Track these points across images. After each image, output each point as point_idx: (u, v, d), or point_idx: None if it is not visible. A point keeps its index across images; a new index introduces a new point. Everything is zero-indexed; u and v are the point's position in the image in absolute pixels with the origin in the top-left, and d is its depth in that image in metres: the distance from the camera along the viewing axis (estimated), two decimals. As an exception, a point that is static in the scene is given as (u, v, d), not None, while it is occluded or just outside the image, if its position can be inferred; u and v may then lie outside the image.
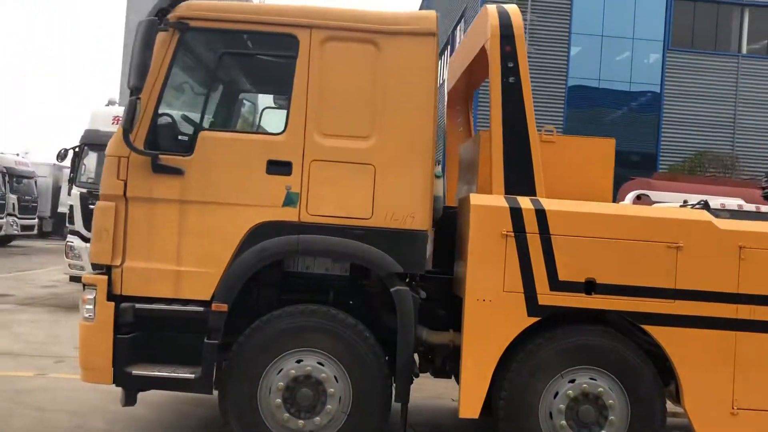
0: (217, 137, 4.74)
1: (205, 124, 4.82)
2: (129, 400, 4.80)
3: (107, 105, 13.79)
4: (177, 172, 4.65)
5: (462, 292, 4.75)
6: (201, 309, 4.65)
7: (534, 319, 4.69)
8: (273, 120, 5.02)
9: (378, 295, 5.13)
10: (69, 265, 12.43)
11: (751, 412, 4.68)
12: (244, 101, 5.21)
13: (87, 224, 12.34)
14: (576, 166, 5.41)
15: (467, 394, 4.66)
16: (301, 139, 4.71)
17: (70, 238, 12.44)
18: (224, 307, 4.62)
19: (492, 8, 5.03)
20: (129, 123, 4.48)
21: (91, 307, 4.67)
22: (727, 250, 4.70)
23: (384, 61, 4.77)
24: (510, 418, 4.71)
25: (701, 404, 4.68)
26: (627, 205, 6.13)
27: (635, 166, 20.73)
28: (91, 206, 12.40)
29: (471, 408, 4.66)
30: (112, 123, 12.72)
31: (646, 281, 4.69)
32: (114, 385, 4.68)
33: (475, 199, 4.75)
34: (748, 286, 4.69)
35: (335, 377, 4.64)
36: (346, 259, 4.83)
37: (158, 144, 4.67)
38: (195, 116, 4.82)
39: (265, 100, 5.23)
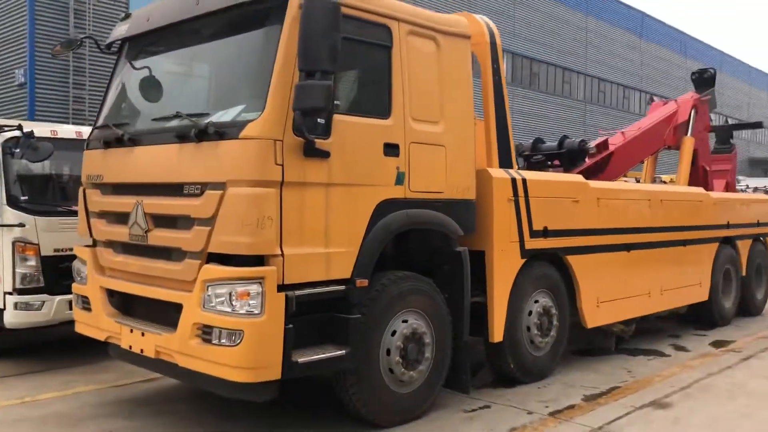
0: (347, 121, 4.79)
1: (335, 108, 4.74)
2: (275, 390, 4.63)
3: None
4: (325, 155, 4.64)
5: (486, 245, 6.03)
6: (343, 287, 4.81)
7: (524, 260, 6.34)
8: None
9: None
10: None
11: (606, 303, 7.34)
12: (362, 85, 5.10)
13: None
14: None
15: (498, 322, 6.05)
16: (402, 123, 5.21)
17: None
18: (366, 283, 4.91)
19: (481, 18, 6.27)
20: (322, 106, 4.30)
21: (256, 302, 4.34)
22: (591, 200, 7.17)
23: (442, 56, 5.59)
24: (509, 336, 6.27)
25: (589, 299, 7.08)
26: (559, 173, 8.03)
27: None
28: None
29: (500, 332, 6.07)
30: None
31: (569, 225, 6.82)
32: (280, 378, 4.47)
33: (494, 173, 6.08)
34: (611, 223, 7.32)
35: (426, 329, 5.43)
36: (433, 228, 5.52)
37: (303, 127, 4.52)
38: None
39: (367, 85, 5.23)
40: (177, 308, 4.75)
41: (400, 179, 5.20)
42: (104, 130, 5.66)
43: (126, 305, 5.41)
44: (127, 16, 5.77)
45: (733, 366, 7.45)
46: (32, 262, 6.84)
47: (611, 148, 9.27)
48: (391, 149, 5.13)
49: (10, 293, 6.80)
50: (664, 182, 11.30)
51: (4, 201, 6.87)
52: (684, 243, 8.82)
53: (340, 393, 5.09)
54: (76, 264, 5.90)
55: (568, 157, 8.55)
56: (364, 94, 5.13)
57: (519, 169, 6.81)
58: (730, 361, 7.66)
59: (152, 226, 4.96)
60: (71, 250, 6.96)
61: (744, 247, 10.42)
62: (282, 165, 4.44)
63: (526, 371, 6.51)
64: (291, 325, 4.47)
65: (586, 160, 8.71)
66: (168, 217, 4.87)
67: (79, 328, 5.87)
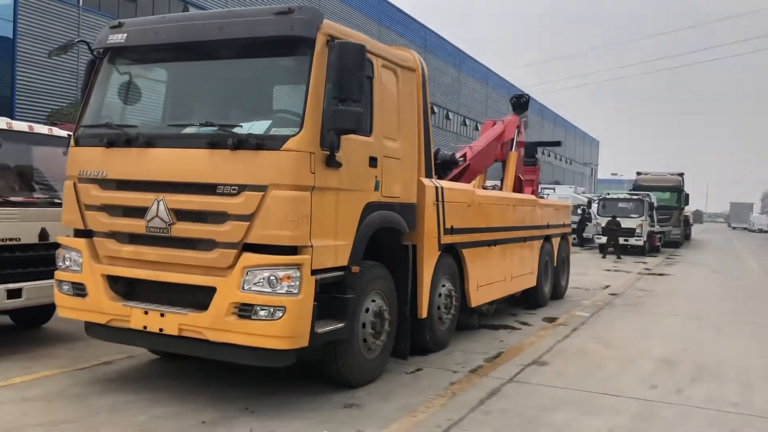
0: (349, 138, 5.82)
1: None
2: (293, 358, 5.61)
3: None
4: (339, 165, 5.71)
5: (418, 240, 7.41)
6: (343, 273, 5.92)
7: (439, 253, 7.83)
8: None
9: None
10: None
11: (483, 287, 9.14)
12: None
13: None
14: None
15: (425, 302, 7.47)
16: (380, 141, 6.42)
17: None
18: (358, 269, 6.06)
19: (417, 54, 7.63)
20: (354, 128, 5.40)
21: (295, 283, 5.31)
22: (476, 205, 8.91)
23: (399, 85, 6.89)
24: (429, 313, 7.73)
25: (472, 284, 8.79)
26: (456, 183, 9.33)
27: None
28: None
29: (425, 310, 7.49)
30: None
31: (465, 225, 8.47)
32: (307, 345, 5.47)
33: (425, 181, 7.49)
34: (486, 222, 9.10)
35: (386, 307, 6.69)
36: (394, 226, 6.73)
37: (325, 142, 5.57)
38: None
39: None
40: (205, 291, 5.52)
41: (377, 186, 6.41)
42: (101, 129, 6.11)
43: (130, 290, 5.97)
44: (120, 24, 6.26)
45: (569, 335, 9.64)
46: (-27, 252, 6.89)
47: (468, 160, 11.17)
48: (373, 161, 6.32)
49: (-55, 282, 6.79)
50: (496, 188, 13.48)
51: (-55, 190, 6.82)
52: (524, 239, 10.98)
53: (329, 361, 6.16)
54: (62, 252, 6.24)
55: (441, 167, 10.20)
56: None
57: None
58: (565, 332, 9.86)
59: (176, 219, 5.65)
60: (12, 240, 7.17)
61: (555, 243, 12.97)
62: (314, 173, 5.46)
63: (436, 342, 8.03)
64: (316, 303, 5.51)
65: (453, 170, 10.48)
66: (196, 212, 5.60)
67: (66, 313, 6.24)
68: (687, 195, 36.49)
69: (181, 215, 5.65)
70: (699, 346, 9.20)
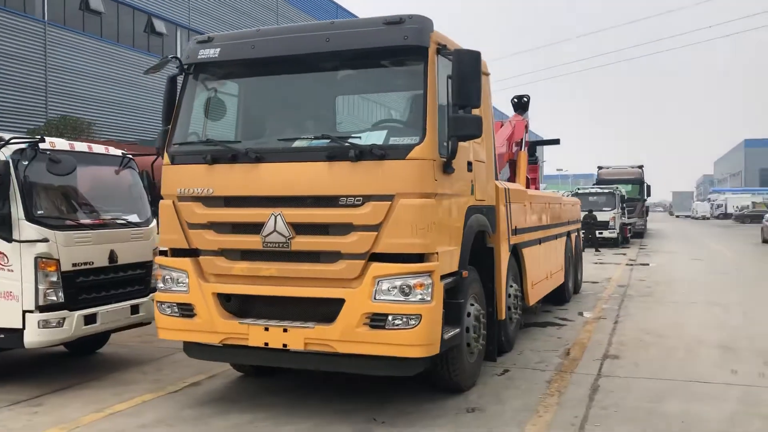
0: (460, 145, 5.87)
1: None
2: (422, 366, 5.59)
3: None
4: (453, 171, 5.73)
5: (494, 242, 7.48)
6: (455, 278, 5.94)
7: (509, 254, 7.93)
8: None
9: None
10: None
11: (536, 285, 9.27)
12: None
13: None
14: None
15: (503, 303, 7.55)
16: (472, 145, 6.44)
17: None
18: (467, 274, 6.09)
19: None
20: (477, 134, 5.43)
21: (427, 291, 5.30)
22: (529, 205, 9.05)
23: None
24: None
25: (529, 282, 8.92)
26: (518, 185, 9.37)
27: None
28: None
29: (504, 311, 7.58)
30: None
31: (523, 224, 8.59)
32: (438, 352, 5.47)
33: (497, 184, 7.57)
34: (543, 220, 9.24)
35: (481, 311, 6.73)
36: (484, 229, 6.77)
37: (442, 149, 5.59)
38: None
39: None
40: (329, 303, 5.47)
41: (472, 190, 6.46)
42: (200, 146, 5.98)
43: (243, 308, 5.86)
44: (209, 39, 6.14)
45: (615, 328, 9.85)
46: (54, 278, 6.61)
47: (495, 161, 11.33)
48: (469, 166, 6.37)
49: (31, 311, 6.51)
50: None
51: (23, 216, 6.54)
52: (556, 237, 11.19)
53: (440, 366, 6.16)
54: (164, 272, 6.06)
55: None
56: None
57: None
58: (609, 325, 10.07)
59: (295, 233, 5.56)
60: (86, 264, 6.95)
61: (573, 238, 13.24)
62: (437, 180, 5.48)
63: (509, 342, 8.12)
64: (444, 309, 5.52)
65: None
66: (318, 225, 5.53)
67: (169, 335, 6.08)
68: (649, 186, 37.61)
69: (301, 229, 5.57)
70: (742, 332, 9.53)
